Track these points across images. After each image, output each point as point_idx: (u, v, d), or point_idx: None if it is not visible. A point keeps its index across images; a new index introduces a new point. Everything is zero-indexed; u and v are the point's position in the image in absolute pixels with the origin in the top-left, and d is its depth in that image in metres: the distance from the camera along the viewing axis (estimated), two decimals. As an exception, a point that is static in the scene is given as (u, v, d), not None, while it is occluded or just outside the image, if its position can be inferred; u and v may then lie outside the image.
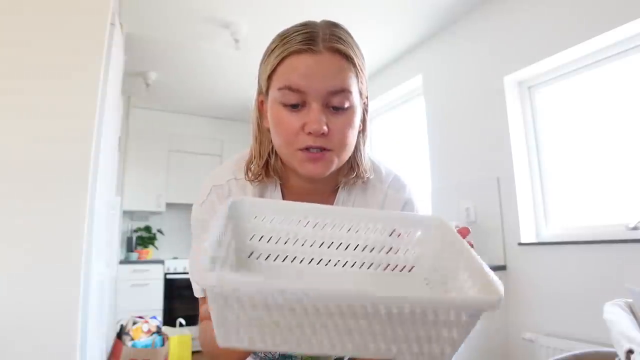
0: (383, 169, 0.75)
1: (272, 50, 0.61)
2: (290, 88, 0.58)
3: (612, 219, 2.01)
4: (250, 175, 0.69)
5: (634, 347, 0.83)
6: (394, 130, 3.66)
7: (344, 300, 0.33)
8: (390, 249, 0.55)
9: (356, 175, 0.69)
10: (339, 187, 0.72)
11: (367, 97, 0.68)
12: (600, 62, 2.12)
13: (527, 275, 2.25)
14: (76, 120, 1.54)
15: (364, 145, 0.69)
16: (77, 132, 1.54)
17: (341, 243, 0.55)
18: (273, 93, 0.61)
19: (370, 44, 3.13)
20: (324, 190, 0.72)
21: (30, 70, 1.52)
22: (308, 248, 0.54)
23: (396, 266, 0.55)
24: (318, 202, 0.70)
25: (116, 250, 3.48)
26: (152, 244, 4.40)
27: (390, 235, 0.55)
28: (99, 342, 2.14)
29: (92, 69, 1.61)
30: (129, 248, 4.28)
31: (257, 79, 0.68)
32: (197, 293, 0.68)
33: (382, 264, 0.55)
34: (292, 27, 0.62)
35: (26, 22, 1.55)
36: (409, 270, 0.55)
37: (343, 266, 0.54)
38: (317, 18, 0.64)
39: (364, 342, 0.36)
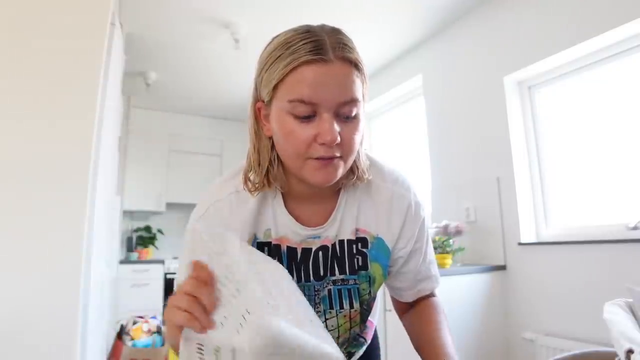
0: (385, 168, 0.75)
1: (278, 59, 0.58)
2: (302, 101, 0.56)
3: (612, 219, 2.01)
4: (250, 185, 0.68)
5: (634, 347, 0.83)
6: (394, 130, 3.66)
7: None
8: None
9: (356, 177, 0.69)
10: (339, 189, 0.72)
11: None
12: (600, 62, 2.12)
13: (527, 275, 2.25)
14: (76, 120, 1.54)
15: (361, 147, 0.68)
16: (77, 132, 1.53)
17: None
18: (281, 104, 0.59)
19: (371, 44, 3.13)
20: (326, 193, 0.71)
21: (31, 70, 1.51)
22: None
23: None
24: (320, 205, 0.71)
25: (116, 250, 3.48)
26: (152, 243, 4.40)
27: None
28: (99, 342, 2.14)
29: (92, 69, 1.60)
30: (129, 248, 4.28)
31: (254, 82, 0.65)
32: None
33: None
34: (294, 34, 0.59)
35: (26, 22, 1.54)
36: None
37: None
38: (318, 18, 0.64)
39: None
